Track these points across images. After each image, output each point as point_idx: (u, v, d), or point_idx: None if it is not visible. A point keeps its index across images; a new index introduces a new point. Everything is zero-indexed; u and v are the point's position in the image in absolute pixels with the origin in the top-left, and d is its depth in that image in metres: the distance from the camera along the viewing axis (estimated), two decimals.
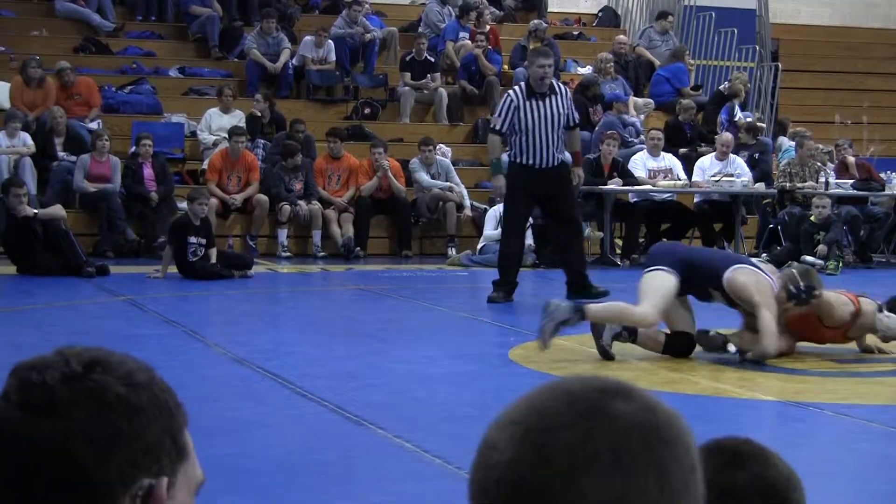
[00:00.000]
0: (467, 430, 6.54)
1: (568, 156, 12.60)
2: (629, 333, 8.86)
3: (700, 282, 8.94)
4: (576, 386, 1.37)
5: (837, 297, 9.19)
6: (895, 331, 9.18)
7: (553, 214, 12.59)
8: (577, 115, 12.59)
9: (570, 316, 8.73)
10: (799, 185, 17.45)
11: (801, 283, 8.80)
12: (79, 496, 1.42)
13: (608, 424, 1.33)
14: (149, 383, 1.48)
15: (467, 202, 17.13)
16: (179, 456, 1.48)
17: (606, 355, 8.77)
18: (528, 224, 13.72)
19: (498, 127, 12.13)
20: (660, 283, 8.81)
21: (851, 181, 17.50)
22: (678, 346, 9.02)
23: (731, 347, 8.99)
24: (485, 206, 16.95)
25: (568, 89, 12.87)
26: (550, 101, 12.03)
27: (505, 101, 12.15)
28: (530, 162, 12.02)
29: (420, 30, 21.10)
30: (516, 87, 12.29)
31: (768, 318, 8.70)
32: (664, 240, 15.88)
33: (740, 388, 8.13)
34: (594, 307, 9.04)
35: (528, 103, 11.96)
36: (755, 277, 8.83)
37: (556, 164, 12.10)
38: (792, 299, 8.79)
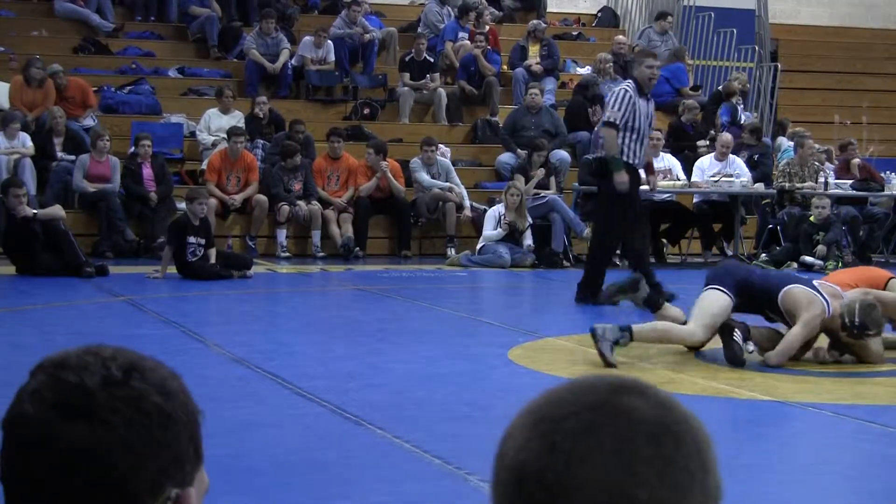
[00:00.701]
0: (467, 431, 6.58)
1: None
2: (629, 336, 8.83)
3: (757, 302, 9.01)
4: (593, 381, 1.40)
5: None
6: None
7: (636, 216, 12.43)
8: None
9: (620, 336, 8.73)
10: (798, 185, 17.46)
11: (857, 319, 8.76)
12: (110, 502, 1.42)
13: (616, 417, 1.34)
14: (179, 391, 1.49)
15: (467, 203, 17.13)
16: (198, 463, 1.49)
17: (607, 362, 8.71)
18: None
19: (615, 120, 11.84)
20: (711, 302, 8.90)
21: (851, 181, 17.51)
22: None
23: (750, 346, 9.00)
24: (484, 207, 16.95)
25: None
26: (651, 104, 12.05)
27: (622, 95, 11.87)
28: (635, 162, 11.93)
29: (419, 30, 21.11)
30: (628, 84, 12.05)
31: (795, 335, 8.79)
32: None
33: (739, 388, 8.13)
34: (641, 328, 8.92)
35: (639, 101, 11.85)
36: (808, 296, 8.84)
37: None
38: (845, 330, 8.82)
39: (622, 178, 11.71)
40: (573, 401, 1.36)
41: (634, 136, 11.77)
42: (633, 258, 12.52)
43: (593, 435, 1.33)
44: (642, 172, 12.31)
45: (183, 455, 1.46)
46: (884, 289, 9.66)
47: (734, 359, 8.81)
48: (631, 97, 11.73)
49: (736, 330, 8.87)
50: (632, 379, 1.41)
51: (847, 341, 8.98)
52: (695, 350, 9.26)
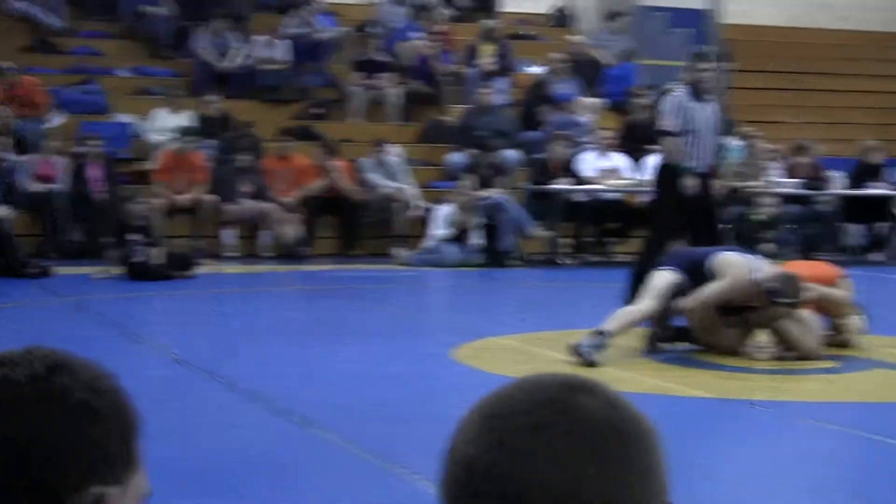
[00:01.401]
0: (412, 431, 6.55)
1: None
2: (607, 336, 8.88)
3: (699, 272, 9.14)
4: (545, 379, 1.39)
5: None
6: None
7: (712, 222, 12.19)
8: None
9: (598, 341, 8.79)
10: (746, 183, 17.53)
11: (773, 284, 8.92)
12: (30, 498, 1.39)
13: (566, 415, 1.34)
14: (110, 390, 1.47)
15: (417, 202, 17.09)
16: (131, 466, 1.46)
17: (592, 364, 8.71)
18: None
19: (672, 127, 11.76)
20: (657, 278, 9.22)
21: (798, 180, 17.58)
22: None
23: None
24: (433, 206, 16.88)
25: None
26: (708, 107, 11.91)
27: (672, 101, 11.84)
28: (697, 166, 11.72)
29: (373, 29, 21.05)
30: (680, 88, 12.02)
31: (714, 286, 9.00)
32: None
33: (684, 386, 8.15)
34: (611, 326, 8.99)
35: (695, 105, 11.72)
36: (737, 257, 9.21)
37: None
38: (766, 295, 8.94)
39: (691, 181, 11.62)
40: (524, 398, 1.36)
41: (692, 140, 11.67)
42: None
43: (543, 432, 1.32)
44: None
45: (112, 455, 1.43)
46: (832, 286, 9.72)
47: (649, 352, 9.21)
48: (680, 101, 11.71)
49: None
50: (583, 378, 1.40)
51: (772, 323, 9.07)
52: (649, 347, 9.28)
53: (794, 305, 8.99)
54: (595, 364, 8.62)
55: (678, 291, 9.15)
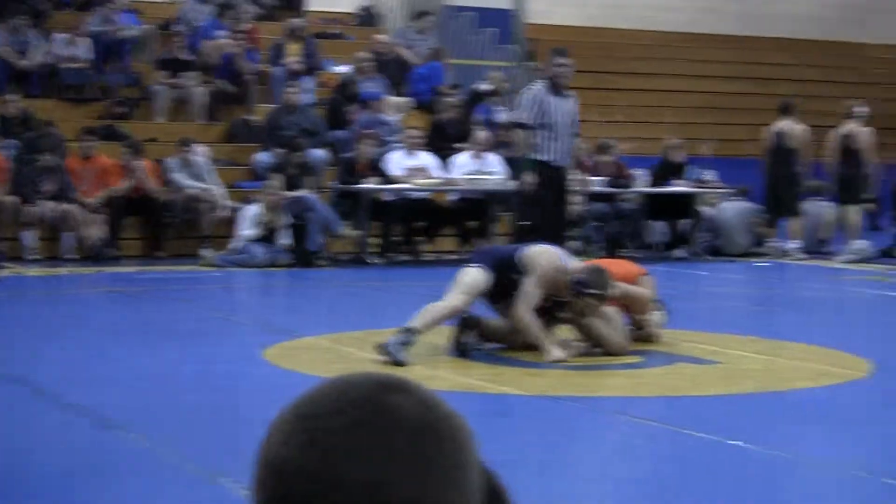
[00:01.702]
0: (223, 432, 6.50)
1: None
2: (412, 332, 8.94)
3: (507, 270, 9.17)
4: (357, 378, 1.39)
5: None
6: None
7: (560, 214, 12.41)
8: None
9: (405, 338, 8.83)
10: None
11: (580, 276, 9.03)
12: None
13: (378, 414, 1.34)
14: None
15: (223, 202, 16.94)
16: None
17: (399, 363, 8.71)
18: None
19: (528, 121, 11.95)
20: (465, 274, 9.24)
21: (602, 178, 17.86)
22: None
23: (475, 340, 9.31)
24: (240, 207, 16.74)
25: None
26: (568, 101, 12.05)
27: (528, 95, 11.96)
28: (554, 158, 11.92)
29: (177, 28, 20.80)
30: (539, 83, 12.20)
31: (527, 283, 9.03)
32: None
33: (492, 384, 8.21)
34: (418, 323, 9.00)
35: (552, 99, 11.84)
36: (543, 249, 9.27)
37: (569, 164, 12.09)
38: (573, 288, 9.03)
39: (528, 177, 12.01)
40: (337, 398, 1.35)
41: (548, 133, 11.87)
42: None
43: (356, 432, 1.32)
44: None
45: None
46: (634, 283, 9.90)
47: (455, 351, 9.21)
48: (535, 95, 11.92)
49: (468, 330, 9.18)
50: (396, 377, 1.40)
51: (579, 318, 9.19)
52: (456, 345, 9.32)
53: (602, 298, 9.12)
54: (402, 363, 8.63)
55: (487, 289, 9.23)
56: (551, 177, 11.93)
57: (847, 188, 18.54)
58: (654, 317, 9.94)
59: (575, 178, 12.79)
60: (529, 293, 9.05)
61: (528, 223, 12.33)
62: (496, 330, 9.44)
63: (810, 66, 29.61)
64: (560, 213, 12.22)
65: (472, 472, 1.39)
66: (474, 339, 9.31)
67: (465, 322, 9.29)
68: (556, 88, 11.96)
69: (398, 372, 8.32)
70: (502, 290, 9.24)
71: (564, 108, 11.95)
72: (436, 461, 1.34)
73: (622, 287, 9.62)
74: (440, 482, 1.34)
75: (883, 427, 7.15)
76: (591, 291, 9.02)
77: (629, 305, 9.82)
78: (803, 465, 6.07)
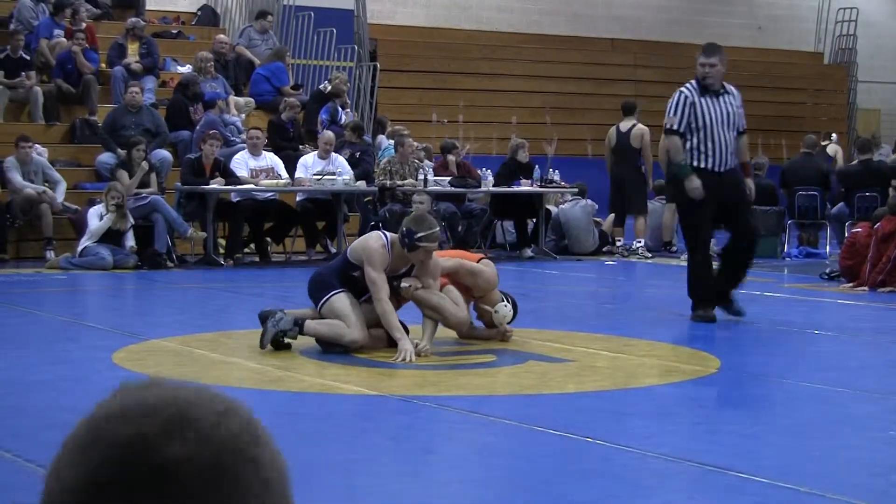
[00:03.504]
0: (65, 435, 6.39)
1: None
2: (299, 329, 9.30)
3: (348, 269, 9.39)
4: (138, 409, 1.27)
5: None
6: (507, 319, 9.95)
7: (732, 224, 11.57)
8: (744, 122, 11.65)
9: (291, 328, 9.25)
10: (399, 182, 17.83)
11: (405, 227, 9.21)
12: None
13: (148, 467, 1.22)
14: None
15: (66, 204, 16.66)
16: None
17: (262, 344, 9.26)
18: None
19: (675, 126, 11.30)
20: (341, 306, 9.33)
21: (449, 178, 17.97)
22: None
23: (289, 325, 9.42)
24: (84, 208, 16.47)
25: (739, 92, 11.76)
26: (725, 101, 11.37)
27: (677, 98, 11.34)
28: (707, 165, 11.23)
29: (12, 27, 20.41)
30: (688, 84, 11.45)
31: (367, 272, 9.20)
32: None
33: (345, 384, 8.22)
34: (313, 323, 9.35)
35: (702, 100, 11.26)
36: (369, 236, 9.56)
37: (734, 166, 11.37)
38: (403, 246, 9.19)
39: (692, 183, 11.20)
40: (107, 432, 1.25)
41: (701, 136, 11.22)
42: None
43: (120, 481, 1.22)
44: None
45: None
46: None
47: (263, 341, 9.30)
48: (686, 98, 11.31)
49: (276, 316, 9.33)
50: (185, 404, 1.26)
51: (423, 276, 9.39)
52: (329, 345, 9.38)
53: (434, 238, 9.28)
54: (263, 344, 9.20)
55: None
56: (710, 183, 11.13)
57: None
58: (500, 308, 10.00)
59: (747, 182, 11.63)
60: (375, 281, 9.19)
61: (691, 231, 11.59)
62: (304, 318, 9.53)
63: (646, 67, 30.11)
64: (739, 221, 11.44)
65: (272, 493, 1.26)
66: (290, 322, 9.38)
67: (269, 316, 9.40)
68: (706, 89, 11.27)
69: (237, 372, 8.30)
70: (357, 290, 9.33)
71: (718, 108, 11.23)
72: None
73: (466, 264, 9.81)
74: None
75: (729, 422, 7.32)
76: (422, 235, 9.16)
77: (473, 286, 9.92)
78: (652, 460, 6.18)
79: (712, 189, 11.12)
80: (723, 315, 11.48)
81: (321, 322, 9.40)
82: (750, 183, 11.68)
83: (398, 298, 9.49)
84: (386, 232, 9.59)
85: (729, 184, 11.28)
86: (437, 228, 9.41)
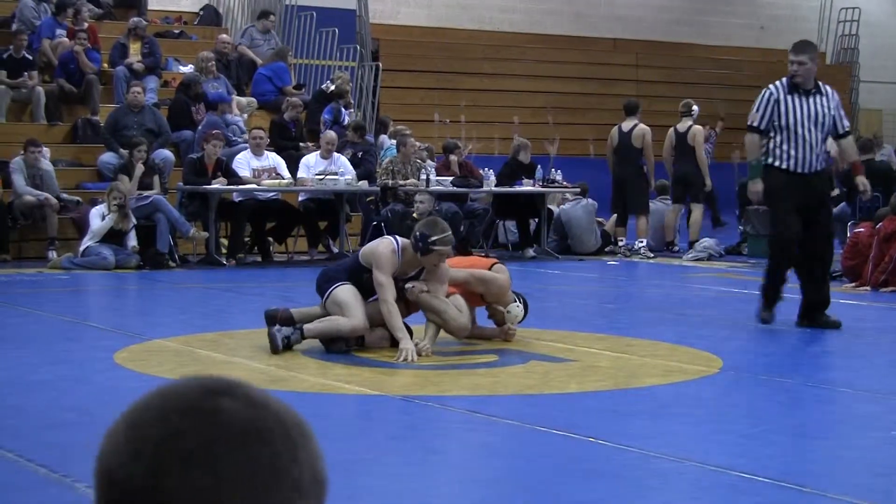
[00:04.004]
0: (71, 437, 6.41)
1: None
2: (300, 333, 9.37)
3: (358, 270, 9.44)
4: (182, 384, 1.36)
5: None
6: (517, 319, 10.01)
7: (807, 229, 10.91)
8: (846, 122, 11.21)
9: (293, 333, 9.37)
10: (401, 182, 17.82)
11: (418, 232, 9.25)
12: None
13: (202, 421, 1.31)
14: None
15: (69, 204, 16.64)
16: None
17: (277, 350, 9.26)
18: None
19: (756, 123, 10.87)
20: (345, 296, 9.37)
21: (451, 178, 17.95)
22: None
23: (288, 331, 9.46)
24: (86, 208, 16.45)
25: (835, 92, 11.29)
26: (816, 101, 10.84)
27: (762, 95, 10.90)
28: (788, 166, 10.77)
29: (15, 27, 20.42)
30: (778, 81, 10.96)
31: (376, 276, 9.24)
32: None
33: (347, 384, 8.22)
34: (311, 326, 9.43)
35: (789, 99, 10.79)
36: (380, 241, 9.58)
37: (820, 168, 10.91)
38: (416, 250, 9.22)
39: (754, 186, 10.96)
40: (160, 405, 1.33)
41: (784, 136, 10.77)
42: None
43: (178, 441, 1.30)
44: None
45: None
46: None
47: (273, 347, 9.30)
48: (771, 95, 10.86)
49: (278, 323, 9.42)
50: (225, 380, 1.37)
51: (430, 279, 9.42)
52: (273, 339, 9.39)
53: (448, 241, 9.33)
54: (277, 350, 9.18)
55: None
56: (791, 184, 10.67)
57: (686, 186, 18.87)
58: (513, 309, 10.03)
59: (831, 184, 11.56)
60: (383, 284, 9.21)
61: (772, 232, 11.19)
62: (308, 316, 9.61)
63: (648, 67, 30.12)
64: (813, 227, 10.86)
65: (306, 473, 1.36)
66: (290, 329, 9.45)
67: (274, 318, 9.47)
68: (795, 87, 10.71)
69: (239, 371, 8.31)
70: (365, 291, 9.40)
71: (806, 108, 10.70)
72: (262, 463, 1.32)
73: (476, 273, 9.81)
74: (268, 485, 1.32)
75: (731, 422, 7.31)
76: (436, 238, 9.21)
77: (486, 293, 9.94)
78: (654, 460, 6.18)
79: (794, 190, 10.72)
80: (728, 317, 11.44)
81: (319, 321, 9.45)
82: (862, 181, 11.32)
83: (407, 305, 9.52)
84: (398, 237, 9.59)
85: (812, 186, 10.82)
86: (450, 232, 9.47)
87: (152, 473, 1.29)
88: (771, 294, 11.08)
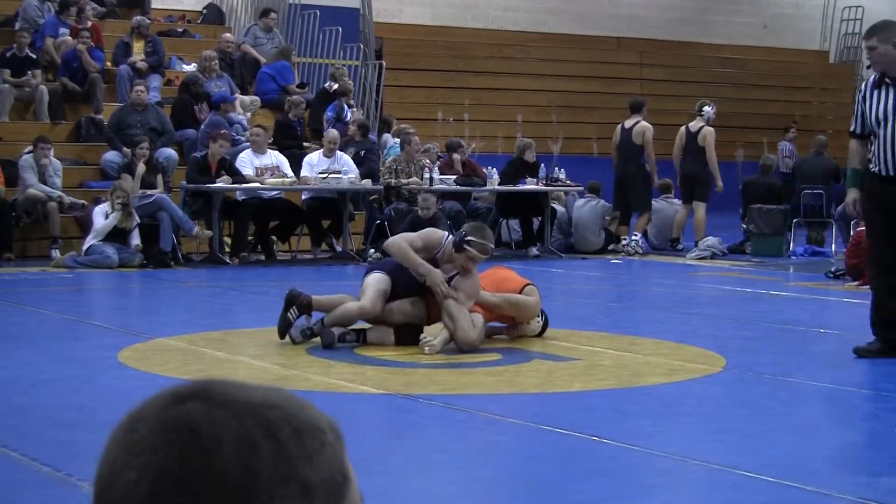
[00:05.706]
0: (75, 437, 6.41)
1: None
2: (321, 323, 9.64)
3: (402, 267, 9.66)
4: (156, 395, 1.31)
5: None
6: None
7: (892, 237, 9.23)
8: None
9: (314, 324, 9.68)
10: (404, 181, 17.82)
11: (464, 231, 9.57)
12: None
13: (161, 427, 1.26)
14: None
15: (72, 202, 16.64)
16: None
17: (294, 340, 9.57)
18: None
19: (851, 128, 9.40)
20: (370, 279, 9.71)
21: (455, 177, 17.95)
22: (406, 336, 9.66)
23: (302, 319, 9.75)
24: (90, 207, 16.44)
25: None
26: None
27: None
28: (877, 170, 9.16)
29: (18, 25, 20.43)
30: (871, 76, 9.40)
31: (413, 239, 9.66)
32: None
33: (351, 383, 8.22)
34: (328, 318, 9.67)
35: (873, 93, 9.21)
36: (426, 233, 9.94)
37: None
38: (453, 245, 9.48)
39: (849, 196, 9.49)
40: (132, 416, 1.29)
41: (872, 137, 9.21)
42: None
43: (139, 451, 1.25)
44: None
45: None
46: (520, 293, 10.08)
47: (282, 328, 9.65)
48: (860, 93, 9.38)
49: (294, 307, 9.67)
50: (201, 383, 1.30)
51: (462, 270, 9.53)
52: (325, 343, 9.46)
53: (483, 249, 9.47)
54: (295, 341, 9.51)
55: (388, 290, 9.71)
56: (874, 190, 9.17)
57: (694, 185, 18.86)
58: (532, 323, 10.16)
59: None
60: (415, 240, 9.67)
61: (869, 247, 9.64)
62: (328, 305, 9.76)
63: (652, 66, 30.11)
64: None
65: (303, 465, 1.30)
66: (304, 318, 9.73)
67: (294, 300, 9.65)
68: (883, 78, 9.07)
69: (243, 370, 8.32)
70: (400, 286, 9.67)
71: (888, 101, 9.04)
72: (232, 467, 1.24)
73: (510, 299, 9.90)
74: (251, 488, 1.25)
75: (735, 421, 7.31)
76: (472, 239, 9.40)
77: (517, 316, 10.07)
78: (658, 459, 6.18)
79: (877, 197, 9.23)
80: (731, 315, 11.44)
81: (334, 312, 9.65)
82: None
83: (429, 311, 9.72)
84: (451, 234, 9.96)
85: (894, 192, 9.16)
86: (492, 244, 9.75)
87: (116, 485, 1.26)
88: (873, 315, 9.42)
